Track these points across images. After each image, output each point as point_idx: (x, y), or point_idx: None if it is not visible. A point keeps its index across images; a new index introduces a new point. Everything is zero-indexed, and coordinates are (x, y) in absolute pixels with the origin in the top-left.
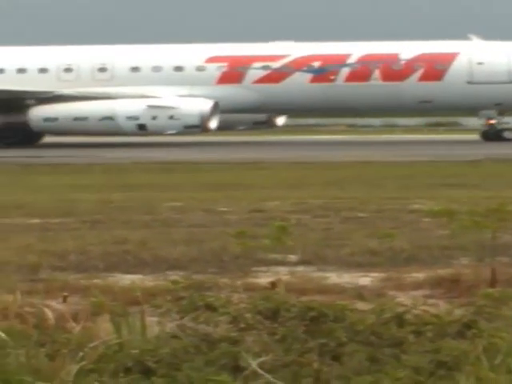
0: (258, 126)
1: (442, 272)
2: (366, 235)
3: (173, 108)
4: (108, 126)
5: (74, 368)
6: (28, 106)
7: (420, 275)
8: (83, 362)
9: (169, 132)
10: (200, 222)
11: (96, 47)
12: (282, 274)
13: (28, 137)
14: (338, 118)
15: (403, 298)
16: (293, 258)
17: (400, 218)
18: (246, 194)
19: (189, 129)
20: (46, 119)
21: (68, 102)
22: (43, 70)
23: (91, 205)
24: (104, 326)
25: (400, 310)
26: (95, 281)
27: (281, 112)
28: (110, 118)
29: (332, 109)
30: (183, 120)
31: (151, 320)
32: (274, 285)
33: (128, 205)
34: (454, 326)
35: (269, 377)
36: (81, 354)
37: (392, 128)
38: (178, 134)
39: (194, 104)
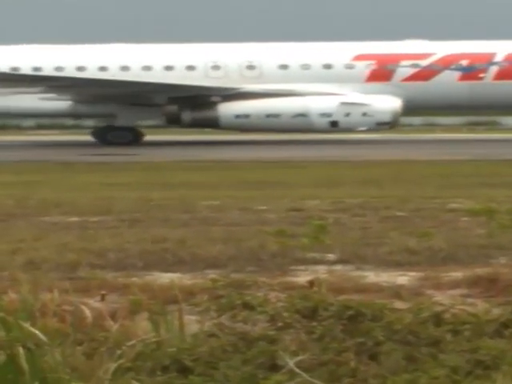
0: (380, 126)
1: (480, 271)
2: (405, 234)
3: (366, 105)
4: (300, 123)
5: (112, 366)
6: (213, 103)
7: (458, 274)
8: (121, 361)
9: (359, 129)
10: (238, 220)
11: (244, 45)
12: (320, 272)
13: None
14: (476, 116)
15: (441, 297)
16: (331, 256)
17: (438, 216)
18: (285, 192)
19: (380, 126)
20: (238, 116)
21: (254, 99)
22: (191, 68)
23: (130, 203)
24: (142, 325)
25: (438, 309)
26: (133, 279)
27: (427, 110)
28: (302, 115)
29: (477, 107)
30: (376, 117)
31: (189, 318)
32: (312, 284)
33: (167, 203)
34: (491, 325)
35: (306, 376)
36: (118, 352)
37: (431, 127)
38: (368, 130)
39: (386, 101)
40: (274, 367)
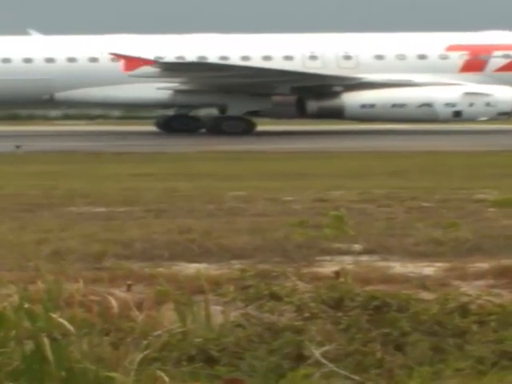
0: (501, 116)
1: (506, 262)
2: (431, 225)
3: (489, 95)
4: (425, 113)
5: (138, 356)
6: (336, 93)
7: (484, 265)
8: (147, 351)
9: (481, 119)
10: (264, 211)
11: (340, 35)
12: (346, 263)
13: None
14: None
15: (467, 288)
16: (357, 247)
17: (465, 207)
18: (311, 183)
19: (500, 115)
20: (363, 105)
21: (377, 89)
22: (288, 58)
23: (156, 194)
24: (168, 315)
25: (464, 299)
26: (160, 269)
27: None
28: (428, 105)
29: None
30: (498, 107)
31: (215, 309)
32: (338, 274)
33: (193, 194)
34: None
35: (332, 366)
36: (144, 342)
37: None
38: (489, 120)
39: (507, 91)
40: (300, 358)
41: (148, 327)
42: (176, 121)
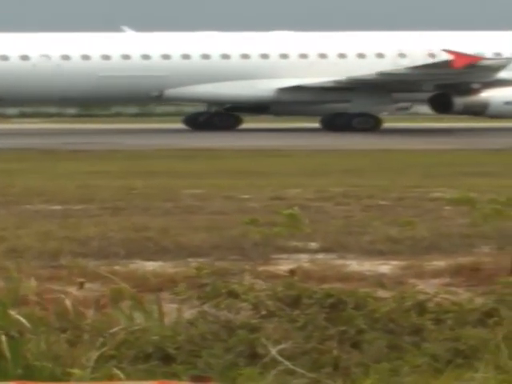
0: None
1: (463, 260)
2: (387, 223)
3: None
4: None
5: (94, 354)
6: (475, 90)
7: (440, 263)
8: (103, 349)
9: None
10: (221, 209)
11: (427, 33)
12: (303, 261)
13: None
14: None
15: (423, 286)
16: (313, 245)
17: (421, 206)
18: (267, 181)
19: None
20: (508, 102)
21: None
22: (380, 55)
23: (113, 191)
24: (124, 313)
25: (420, 298)
26: (116, 267)
27: None
28: None
29: None
30: None
31: (172, 307)
32: (293, 272)
33: (149, 192)
34: (474, 314)
35: (288, 364)
36: (101, 340)
37: (413, 116)
38: None
39: None
40: (257, 355)
41: (104, 325)
42: (217, 117)
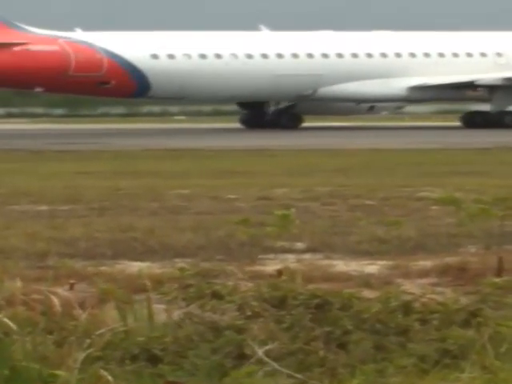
0: None
1: (449, 260)
2: (374, 223)
3: None
4: None
5: (81, 355)
6: None
7: (427, 263)
8: (90, 350)
9: None
10: (207, 209)
11: None
12: (289, 261)
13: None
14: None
15: (410, 286)
16: (300, 245)
17: (408, 205)
18: (254, 181)
19: None
20: None
21: None
22: (483, 55)
23: (99, 192)
24: (111, 314)
25: (406, 298)
26: (103, 268)
27: None
28: None
29: None
30: None
31: (159, 307)
32: (280, 273)
33: (136, 192)
34: (460, 315)
35: (275, 364)
36: (88, 341)
37: (401, 115)
38: None
39: None
40: (243, 356)
41: (91, 326)
42: (284, 115)
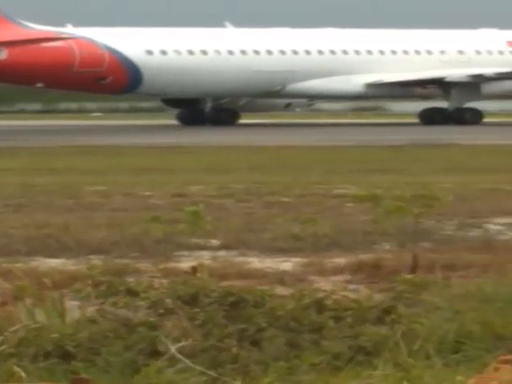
0: None
1: (364, 257)
2: (289, 220)
3: None
4: None
5: None
6: None
7: (342, 260)
8: (3, 346)
9: None
10: (123, 206)
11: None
12: (204, 258)
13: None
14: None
15: (324, 284)
16: (215, 242)
17: (323, 203)
18: (170, 178)
19: None
20: None
21: None
22: (429, 53)
23: (15, 188)
24: (25, 310)
25: (320, 295)
26: (18, 265)
27: None
28: None
29: None
30: None
31: (72, 304)
32: (195, 270)
33: (52, 188)
34: (373, 312)
35: (187, 361)
36: (1, 338)
37: (317, 112)
38: None
39: None
40: (156, 353)
41: (5, 323)
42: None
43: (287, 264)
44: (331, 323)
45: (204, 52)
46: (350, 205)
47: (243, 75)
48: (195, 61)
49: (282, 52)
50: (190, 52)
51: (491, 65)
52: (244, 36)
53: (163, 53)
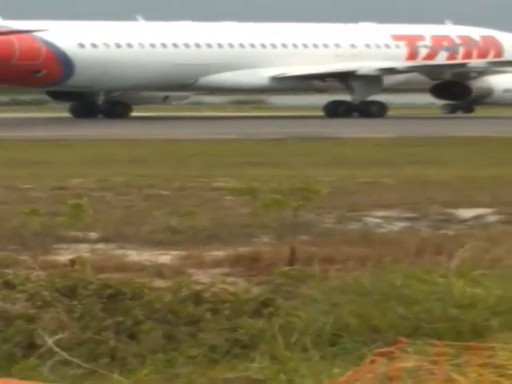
0: None
1: (242, 250)
2: (168, 213)
3: None
4: None
5: None
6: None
7: (220, 253)
8: None
9: None
10: (2, 199)
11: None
12: (83, 251)
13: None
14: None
15: (202, 276)
16: (94, 235)
17: (203, 196)
18: (49, 171)
19: None
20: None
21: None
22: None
23: None
24: None
25: (198, 287)
26: None
27: None
28: None
29: None
30: None
31: None
32: (73, 262)
33: None
34: (251, 305)
35: (64, 354)
36: None
37: (198, 105)
38: None
39: None
40: (33, 346)
41: None
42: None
43: (166, 257)
44: (208, 316)
45: (129, 45)
46: (229, 198)
47: (163, 68)
48: (121, 54)
49: (197, 45)
50: (118, 45)
51: (380, 58)
52: (163, 30)
53: (94, 46)
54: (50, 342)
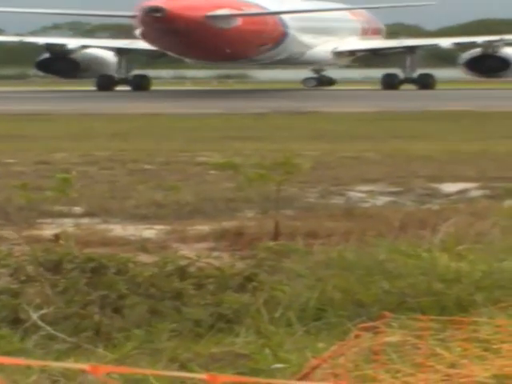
0: None
1: (227, 225)
2: (152, 187)
3: None
4: None
5: None
6: None
7: (205, 228)
8: None
9: None
10: None
11: None
12: (67, 226)
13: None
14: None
15: (186, 251)
16: (78, 210)
17: (186, 170)
18: (33, 145)
19: None
20: None
21: None
22: None
23: None
24: None
25: (182, 262)
26: None
27: None
28: None
29: None
30: None
31: None
32: (57, 237)
33: None
34: (235, 279)
35: (49, 329)
36: None
37: (181, 80)
38: None
39: None
40: (18, 321)
41: None
42: None
43: (150, 231)
44: (193, 290)
45: None
46: (213, 172)
47: None
48: None
49: None
50: None
51: None
52: None
53: None
54: (34, 316)
